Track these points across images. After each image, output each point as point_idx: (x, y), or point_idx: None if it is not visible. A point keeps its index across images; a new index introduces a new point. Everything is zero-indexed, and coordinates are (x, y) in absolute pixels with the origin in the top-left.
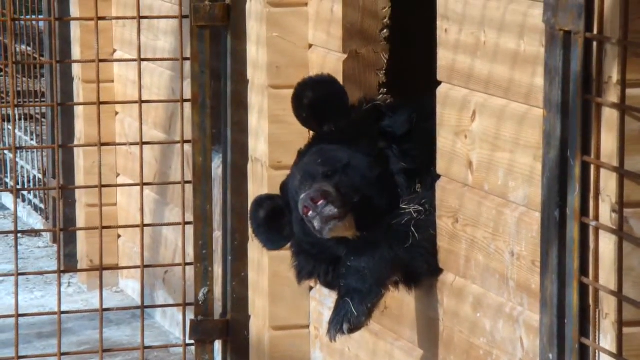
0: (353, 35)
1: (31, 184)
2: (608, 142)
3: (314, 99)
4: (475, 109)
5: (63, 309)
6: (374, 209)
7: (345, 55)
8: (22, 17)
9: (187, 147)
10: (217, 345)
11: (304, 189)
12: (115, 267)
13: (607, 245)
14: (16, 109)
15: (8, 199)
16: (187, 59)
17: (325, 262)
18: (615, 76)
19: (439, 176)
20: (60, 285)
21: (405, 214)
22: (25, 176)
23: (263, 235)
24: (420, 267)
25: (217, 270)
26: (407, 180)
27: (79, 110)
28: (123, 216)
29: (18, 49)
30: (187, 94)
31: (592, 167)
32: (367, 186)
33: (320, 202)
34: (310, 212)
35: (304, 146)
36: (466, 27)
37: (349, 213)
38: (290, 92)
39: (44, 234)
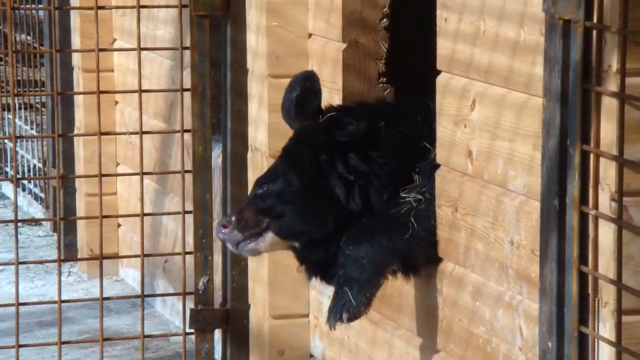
0: (353, 24)
1: (31, 173)
2: (607, 131)
3: (300, 94)
4: (474, 97)
5: (63, 297)
6: (299, 222)
7: (345, 45)
8: (22, 6)
9: (187, 137)
10: (217, 334)
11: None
12: (115, 256)
13: (606, 233)
14: (16, 98)
15: (8, 188)
16: (186, 48)
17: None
18: (614, 65)
19: (438, 165)
20: (60, 274)
21: (405, 202)
22: (26, 165)
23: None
24: (418, 257)
25: (217, 259)
26: (347, 190)
27: (78, 100)
28: (123, 205)
29: (18, 38)
30: (187, 83)
31: (592, 156)
32: (285, 203)
33: (228, 228)
34: (223, 237)
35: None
36: (466, 16)
37: (264, 233)
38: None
39: (44, 223)
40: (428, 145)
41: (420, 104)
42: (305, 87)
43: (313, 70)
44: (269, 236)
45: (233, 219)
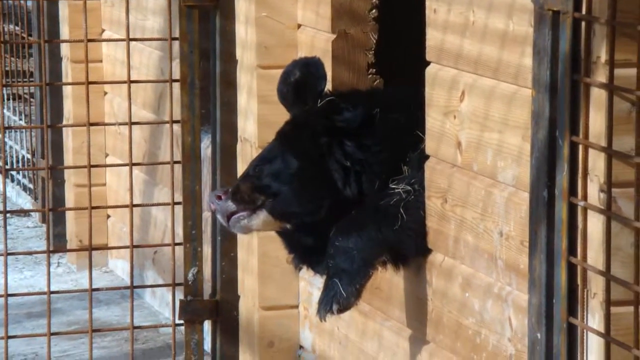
0: (342, 15)
1: (20, 164)
2: (596, 122)
3: (300, 78)
4: (464, 89)
5: (52, 288)
6: (294, 203)
7: (334, 35)
8: None
9: (176, 127)
10: (207, 325)
11: None
12: (105, 247)
13: (595, 225)
14: (4, 88)
15: None
16: (175, 38)
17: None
18: (603, 56)
19: (427, 156)
20: (49, 265)
21: (395, 194)
22: (14, 156)
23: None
24: (408, 249)
25: (207, 250)
26: (345, 176)
27: (67, 90)
28: (112, 196)
29: (6, 29)
30: (176, 74)
31: (581, 147)
32: (282, 182)
33: (222, 200)
34: (215, 207)
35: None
36: (455, 7)
37: (258, 210)
38: (279, 72)
39: (33, 214)
40: (421, 135)
41: (414, 92)
42: (307, 72)
43: (318, 57)
44: (263, 214)
45: (229, 190)
